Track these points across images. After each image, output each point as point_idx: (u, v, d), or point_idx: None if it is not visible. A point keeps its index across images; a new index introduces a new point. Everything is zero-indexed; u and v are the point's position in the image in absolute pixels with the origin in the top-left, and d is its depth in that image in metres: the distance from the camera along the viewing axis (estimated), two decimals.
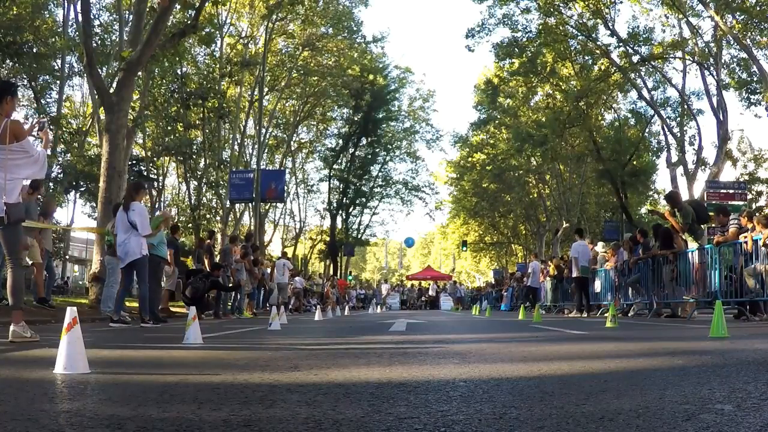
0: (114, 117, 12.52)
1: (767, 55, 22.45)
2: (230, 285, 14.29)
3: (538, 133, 29.13)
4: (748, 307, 9.19)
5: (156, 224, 9.50)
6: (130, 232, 8.49)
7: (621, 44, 25.23)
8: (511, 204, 42.74)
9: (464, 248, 46.47)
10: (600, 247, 15.88)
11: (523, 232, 46.68)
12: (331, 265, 42.74)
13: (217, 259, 14.51)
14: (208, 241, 15.06)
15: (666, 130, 27.09)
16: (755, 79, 22.90)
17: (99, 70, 14.54)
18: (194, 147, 27.21)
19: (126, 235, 8.50)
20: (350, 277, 45.23)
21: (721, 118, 23.26)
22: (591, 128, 29.06)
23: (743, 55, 22.59)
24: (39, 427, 1.73)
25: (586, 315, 13.72)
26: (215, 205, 29.79)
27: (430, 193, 45.94)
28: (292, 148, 38.35)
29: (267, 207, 33.96)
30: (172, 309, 13.56)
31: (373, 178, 44.78)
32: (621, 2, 25.76)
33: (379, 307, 29.14)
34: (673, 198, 11.27)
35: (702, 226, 11.43)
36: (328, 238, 42.38)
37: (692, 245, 10.34)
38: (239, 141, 30.21)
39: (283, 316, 9.19)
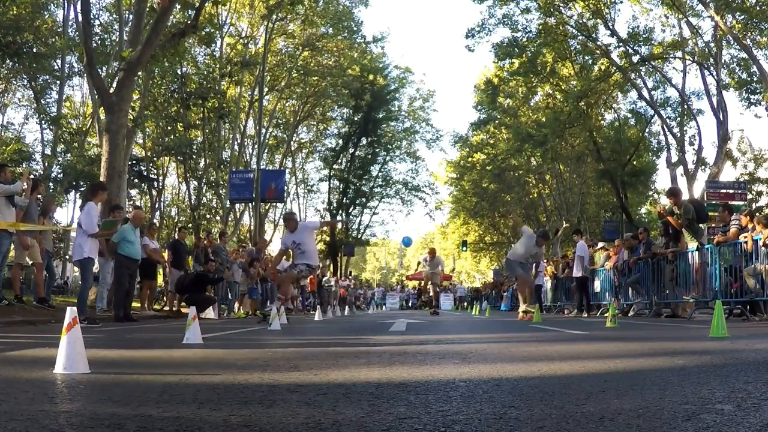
0: (114, 117, 12.52)
1: (767, 55, 22.47)
2: (215, 277, 13.83)
3: (538, 133, 29.10)
4: (748, 307, 9.20)
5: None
6: (79, 231, 8.77)
7: (621, 44, 25.22)
8: (511, 204, 42.69)
9: (464, 248, 46.44)
10: (602, 246, 15.87)
11: None
12: (331, 265, 42.73)
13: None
14: (205, 241, 15.20)
15: (666, 130, 27.09)
16: (755, 79, 22.88)
17: (99, 70, 14.53)
18: (194, 147, 27.21)
19: (76, 235, 8.84)
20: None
21: (721, 118, 23.25)
22: (591, 128, 29.04)
23: (743, 55, 22.58)
24: (39, 427, 1.73)
25: (586, 315, 13.72)
26: (215, 205, 29.79)
27: (430, 193, 45.98)
28: (292, 148, 38.33)
29: (267, 207, 33.93)
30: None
31: (373, 178, 44.79)
32: (621, 2, 25.80)
33: (378, 307, 29.14)
34: (674, 193, 11.34)
35: (702, 225, 11.45)
36: (328, 238, 42.37)
37: (692, 245, 10.34)
38: (239, 141, 30.20)
39: (283, 316, 9.18)
